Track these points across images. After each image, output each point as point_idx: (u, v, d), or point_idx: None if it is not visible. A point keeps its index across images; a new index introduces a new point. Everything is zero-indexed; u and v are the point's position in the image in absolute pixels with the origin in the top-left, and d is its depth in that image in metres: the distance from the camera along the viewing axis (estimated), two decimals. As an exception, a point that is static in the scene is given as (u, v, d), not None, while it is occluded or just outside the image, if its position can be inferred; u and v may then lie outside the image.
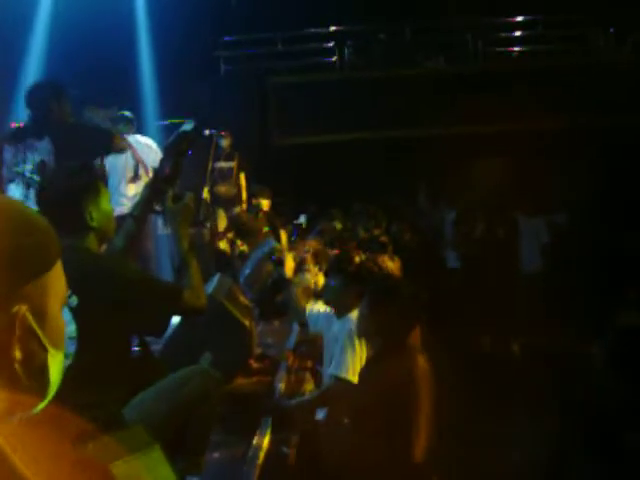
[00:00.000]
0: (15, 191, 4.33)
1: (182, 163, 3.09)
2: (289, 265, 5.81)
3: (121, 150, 5.13)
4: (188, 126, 3.14)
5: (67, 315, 2.44)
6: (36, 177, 4.30)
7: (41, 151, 4.33)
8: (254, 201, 8.30)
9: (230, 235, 7.37)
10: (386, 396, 2.86)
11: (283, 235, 7.57)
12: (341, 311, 3.92)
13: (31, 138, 4.37)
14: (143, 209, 3.06)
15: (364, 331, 3.16)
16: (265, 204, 8.30)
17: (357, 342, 3.61)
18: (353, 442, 3.09)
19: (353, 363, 3.59)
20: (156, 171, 3.18)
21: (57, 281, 1.02)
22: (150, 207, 3.04)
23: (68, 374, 2.35)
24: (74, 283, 2.42)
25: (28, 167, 4.32)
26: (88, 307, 2.39)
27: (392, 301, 3.04)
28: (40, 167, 4.32)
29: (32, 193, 4.28)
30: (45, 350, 0.98)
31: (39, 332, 0.97)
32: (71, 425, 1.08)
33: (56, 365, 1.03)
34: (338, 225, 7.77)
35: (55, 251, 1.00)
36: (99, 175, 2.67)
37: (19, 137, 4.40)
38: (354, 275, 3.90)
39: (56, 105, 4.44)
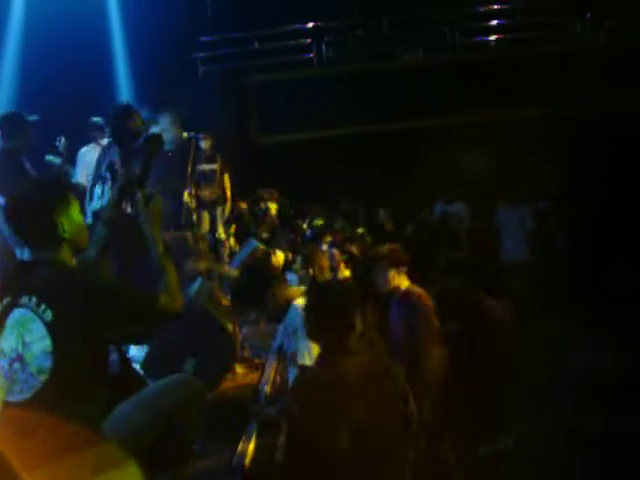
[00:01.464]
0: (97, 189, 4.68)
1: (152, 164, 3.04)
2: (278, 261, 5.73)
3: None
4: (156, 128, 3.11)
5: (42, 330, 2.41)
6: (108, 175, 4.64)
7: (112, 154, 4.70)
8: (262, 204, 8.24)
9: (222, 235, 7.32)
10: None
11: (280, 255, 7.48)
12: None
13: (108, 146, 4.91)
14: (112, 212, 3.02)
15: (309, 334, 3.11)
16: (273, 208, 8.27)
17: None
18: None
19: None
20: (126, 173, 3.16)
21: None
22: (119, 209, 2.99)
23: (45, 388, 2.32)
24: (48, 297, 2.39)
25: (103, 167, 4.69)
26: (63, 321, 2.35)
27: (323, 304, 2.99)
28: (110, 166, 4.65)
29: (106, 189, 4.63)
30: None
31: None
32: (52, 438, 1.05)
33: None
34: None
35: None
36: (68, 185, 2.62)
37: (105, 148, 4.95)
38: None
39: (129, 120, 4.82)
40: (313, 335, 3.03)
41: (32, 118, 5.43)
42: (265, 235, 7.95)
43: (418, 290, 4.34)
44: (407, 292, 4.33)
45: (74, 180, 6.67)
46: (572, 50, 12.10)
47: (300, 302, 4.33)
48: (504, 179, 9.91)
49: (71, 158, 6.73)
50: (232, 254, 7.30)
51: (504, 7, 12.80)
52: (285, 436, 2.99)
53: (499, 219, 9.25)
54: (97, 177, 4.76)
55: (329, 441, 2.67)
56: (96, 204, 4.67)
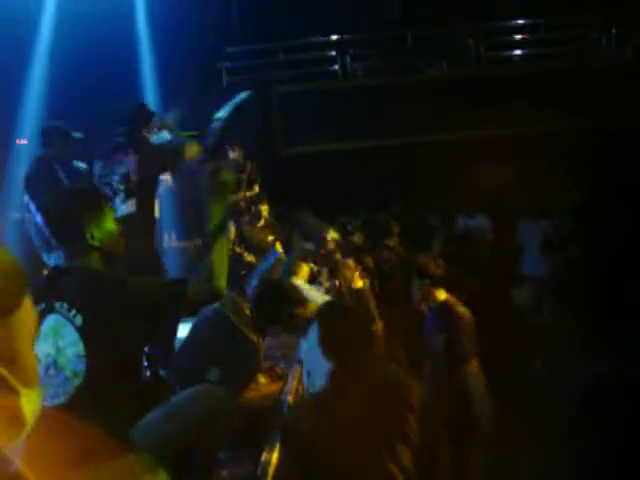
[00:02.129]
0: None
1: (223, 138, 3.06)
2: (303, 274, 5.70)
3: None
4: (244, 94, 3.13)
5: (73, 334, 2.46)
6: (122, 186, 4.83)
7: (127, 164, 4.84)
8: (253, 208, 8.24)
9: (239, 249, 7.35)
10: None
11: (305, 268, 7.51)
12: None
13: (119, 153, 4.92)
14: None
15: (323, 353, 3.12)
16: (265, 210, 8.25)
17: None
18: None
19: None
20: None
21: (26, 320, 1.01)
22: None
23: (79, 392, 2.37)
24: (78, 303, 2.45)
25: (115, 178, 4.82)
26: (93, 326, 2.41)
27: (335, 324, 3.01)
28: (125, 178, 4.82)
29: (118, 200, 4.83)
30: (17, 393, 0.97)
31: (8, 376, 0.96)
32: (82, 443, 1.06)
33: (31, 404, 1.02)
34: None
35: (19, 292, 0.99)
36: (101, 194, 2.67)
37: (109, 153, 4.99)
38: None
39: (144, 127, 5.07)
40: (325, 355, 3.06)
41: (76, 135, 5.56)
42: (270, 237, 7.99)
43: (457, 302, 4.37)
44: (445, 304, 4.35)
45: None
46: (596, 65, 12.07)
47: None
48: (525, 193, 9.90)
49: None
50: (249, 265, 7.34)
51: (529, 22, 12.81)
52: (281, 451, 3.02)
53: (521, 233, 9.23)
54: (107, 186, 4.83)
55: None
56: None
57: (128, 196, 4.84)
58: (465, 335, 4.21)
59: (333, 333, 2.96)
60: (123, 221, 4.76)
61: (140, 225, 4.78)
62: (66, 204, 2.64)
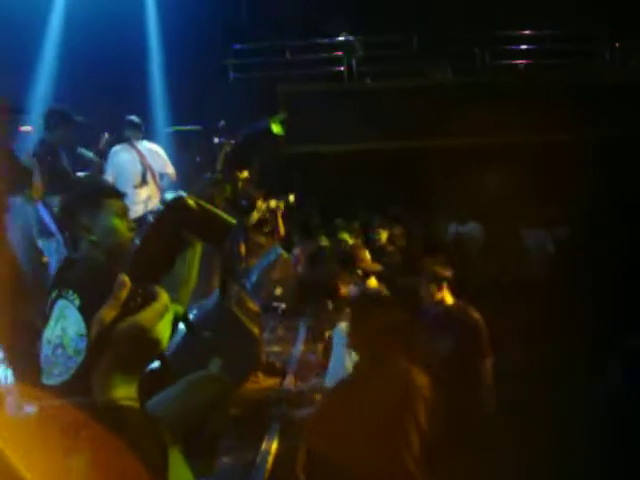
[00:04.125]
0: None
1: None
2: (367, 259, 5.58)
3: None
4: (264, 123, 3.16)
5: (75, 314, 2.53)
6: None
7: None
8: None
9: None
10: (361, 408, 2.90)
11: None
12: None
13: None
14: None
15: (350, 344, 3.19)
16: (261, 205, 8.30)
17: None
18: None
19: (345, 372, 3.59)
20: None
21: None
22: None
23: (80, 370, 2.42)
24: (79, 288, 2.52)
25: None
26: (92, 306, 2.47)
27: (371, 317, 3.07)
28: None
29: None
30: None
31: None
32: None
33: None
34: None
35: None
36: (104, 189, 2.69)
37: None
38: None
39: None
40: (353, 345, 3.13)
41: (78, 118, 5.58)
42: (267, 229, 8.05)
43: (464, 305, 4.46)
44: (453, 306, 4.43)
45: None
46: (599, 77, 12.17)
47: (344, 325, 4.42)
48: (527, 201, 9.95)
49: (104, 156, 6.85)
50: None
51: (535, 32, 12.91)
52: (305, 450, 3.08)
53: (524, 241, 9.22)
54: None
55: (347, 454, 2.77)
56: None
57: None
58: (478, 335, 4.29)
59: (364, 324, 3.03)
60: None
61: None
62: (67, 200, 2.72)
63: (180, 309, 2.28)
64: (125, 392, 1.16)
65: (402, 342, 3.04)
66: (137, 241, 3.32)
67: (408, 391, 2.90)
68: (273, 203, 8.42)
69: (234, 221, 1.97)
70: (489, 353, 4.33)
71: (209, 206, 1.98)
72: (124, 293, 1.22)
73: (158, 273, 1.33)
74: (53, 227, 5.32)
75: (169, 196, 5.50)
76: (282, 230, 8.50)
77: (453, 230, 9.89)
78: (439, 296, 4.41)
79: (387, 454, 2.82)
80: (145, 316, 1.18)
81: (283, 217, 8.64)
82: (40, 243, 5.18)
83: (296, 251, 7.92)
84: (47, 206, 5.21)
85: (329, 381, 3.70)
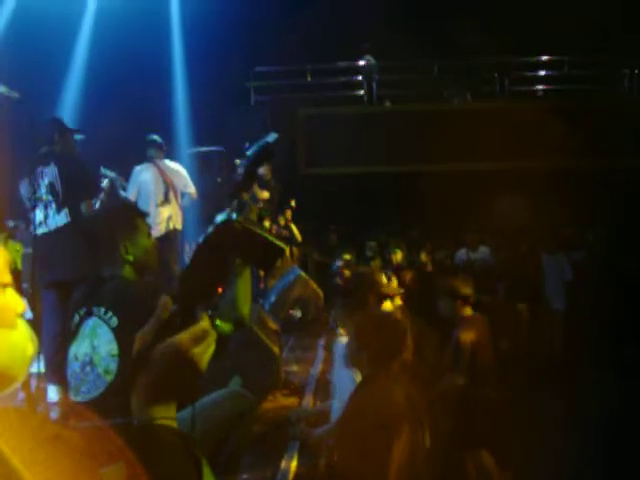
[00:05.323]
0: (40, 214, 4.86)
1: (255, 172, 3.17)
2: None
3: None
4: (271, 138, 3.26)
5: (108, 334, 2.60)
6: (50, 197, 4.90)
7: (49, 175, 4.93)
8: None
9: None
10: (359, 423, 2.95)
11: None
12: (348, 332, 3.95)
13: (40, 166, 4.98)
14: None
15: (350, 360, 3.23)
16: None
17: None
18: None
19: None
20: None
21: None
22: None
23: (110, 390, 2.48)
24: (113, 306, 2.59)
25: (42, 191, 4.89)
26: (127, 327, 2.55)
27: (375, 331, 3.12)
28: (50, 188, 4.90)
29: (51, 212, 4.90)
30: None
31: None
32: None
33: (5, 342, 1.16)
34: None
35: None
36: (137, 212, 2.79)
37: (30, 170, 4.98)
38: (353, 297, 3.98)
39: (60, 139, 5.14)
40: (352, 363, 3.17)
41: (77, 136, 5.64)
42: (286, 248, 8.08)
43: (475, 316, 4.60)
44: (465, 319, 4.56)
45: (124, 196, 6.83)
46: (619, 103, 12.21)
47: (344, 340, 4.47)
48: (544, 226, 9.96)
49: (125, 175, 6.93)
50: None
51: (553, 58, 12.99)
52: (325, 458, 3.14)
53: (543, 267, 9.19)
54: (40, 201, 4.86)
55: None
56: (40, 229, 4.81)
57: (60, 206, 4.90)
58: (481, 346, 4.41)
59: (374, 336, 3.08)
60: (59, 232, 4.91)
61: (77, 234, 4.76)
62: (104, 222, 2.82)
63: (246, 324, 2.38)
64: (163, 412, 1.19)
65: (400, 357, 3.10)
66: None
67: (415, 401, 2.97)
68: (289, 214, 8.58)
69: (284, 247, 2.01)
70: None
71: (259, 230, 2.03)
72: (166, 314, 1.27)
73: (205, 296, 1.38)
74: None
75: (219, 218, 5.60)
76: (298, 236, 8.59)
77: (463, 256, 9.85)
78: (457, 311, 4.54)
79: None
80: (183, 338, 1.20)
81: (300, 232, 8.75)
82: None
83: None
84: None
85: (338, 397, 3.74)
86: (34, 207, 4.71)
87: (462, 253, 9.80)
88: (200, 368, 1.23)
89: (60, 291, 4.64)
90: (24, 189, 5.12)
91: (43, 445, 0.94)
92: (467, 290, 4.58)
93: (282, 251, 2.07)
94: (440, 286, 4.72)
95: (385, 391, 2.98)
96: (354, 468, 2.92)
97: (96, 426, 2.14)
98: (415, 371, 3.35)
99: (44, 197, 4.91)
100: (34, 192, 4.75)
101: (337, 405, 3.66)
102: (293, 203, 8.68)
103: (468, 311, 4.59)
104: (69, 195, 4.90)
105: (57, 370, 4.45)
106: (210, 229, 3.12)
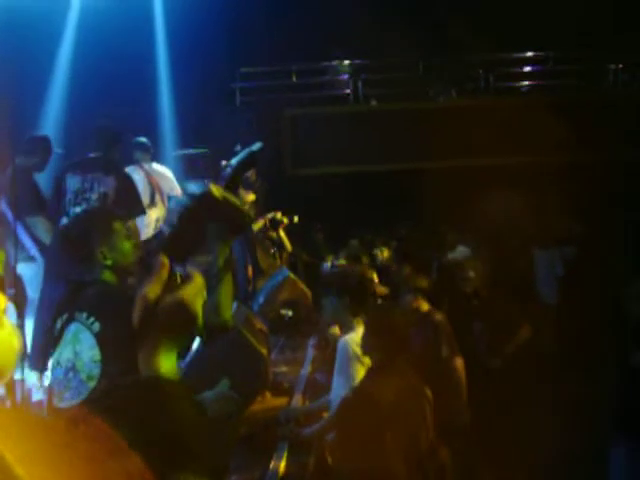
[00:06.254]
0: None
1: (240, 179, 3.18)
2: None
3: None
4: (256, 147, 3.25)
5: (90, 340, 2.57)
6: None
7: (106, 184, 4.95)
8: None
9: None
10: (366, 410, 3.00)
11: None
12: (346, 330, 3.95)
13: (100, 172, 5.02)
14: None
15: (363, 348, 3.33)
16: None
17: (355, 360, 3.65)
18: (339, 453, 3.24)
19: (351, 383, 3.61)
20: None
21: None
22: None
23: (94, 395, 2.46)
24: (95, 312, 2.57)
25: (94, 196, 4.90)
26: (109, 333, 2.52)
27: (388, 322, 3.21)
28: (104, 197, 4.95)
29: None
30: None
31: None
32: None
33: None
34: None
35: None
36: (113, 215, 2.78)
37: (87, 169, 5.04)
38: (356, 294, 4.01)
39: (115, 148, 5.26)
40: (365, 351, 3.26)
41: (57, 151, 5.59)
42: (273, 249, 8.10)
43: (437, 313, 4.75)
44: (427, 314, 4.70)
45: None
46: (603, 98, 12.25)
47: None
48: (534, 221, 9.97)
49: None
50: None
51: (538, 54, 13.02)
52: (315, 457, 3.13)
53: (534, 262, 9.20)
54: (86, 202, 4.90)
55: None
56: None
57: None
58: (446, 342, 4.57)
59: (379, 331, 3.15)
60: None
61: None
62: (80, 226, 2.79)
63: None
64: (169, 366, 1.31)
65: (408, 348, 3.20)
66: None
67: (417, 397, 3.01)
68: (279, 215, 8.47)
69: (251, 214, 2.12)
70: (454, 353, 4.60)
71: (232, 197, 2.15)
72: (165, 272, 1.36)
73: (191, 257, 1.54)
74: (33, 250, 5.33)
75: (193, 188, 5.62)
76: (288, 245, 8.52)
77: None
78: (414, 304, 4.71)
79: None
80: (186, 292, 1.33)
81: (286, 234, 8.68)
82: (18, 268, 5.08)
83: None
84: (27, 228, 5.23)
85: (334, 395, 3.74)
86: (77, 205, 4.81)
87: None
88: (199, 322, 1.39)
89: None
90: (72, 182, 5.06)
91: (42, 445, 0.94)
92: (422, 283, 4.71)
93: (250, 217, 2.22)
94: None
95: (390, 382, 3.05)
96: (355, 457, 2.94)
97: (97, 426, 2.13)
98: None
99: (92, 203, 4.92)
100: (84, 192, 4.85)
101: (336, 394, 3.66)
102: (296, 219, 8.60)
103: (425, 305, 4.73)
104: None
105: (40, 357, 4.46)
106: (186, 199, 3.14)
